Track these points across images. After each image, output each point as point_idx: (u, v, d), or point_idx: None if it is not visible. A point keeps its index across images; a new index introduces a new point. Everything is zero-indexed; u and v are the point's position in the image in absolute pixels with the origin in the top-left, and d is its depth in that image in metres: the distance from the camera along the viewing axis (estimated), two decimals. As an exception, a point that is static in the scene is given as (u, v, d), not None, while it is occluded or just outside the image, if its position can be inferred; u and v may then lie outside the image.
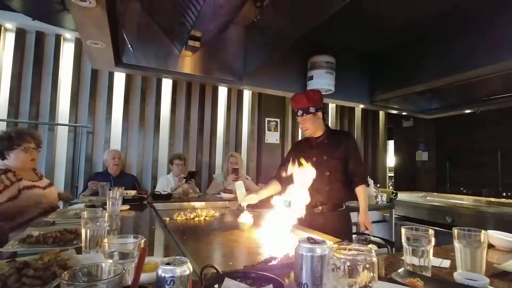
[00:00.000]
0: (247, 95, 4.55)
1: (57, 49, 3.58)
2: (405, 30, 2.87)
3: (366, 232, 2.21)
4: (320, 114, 2.11)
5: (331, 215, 2.08)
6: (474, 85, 3.21)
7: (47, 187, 2.14)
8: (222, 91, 4.39)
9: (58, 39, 3.59)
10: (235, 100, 4.45)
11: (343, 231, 2.06)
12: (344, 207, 2.13)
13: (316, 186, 2.09)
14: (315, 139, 2.17)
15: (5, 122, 3.32)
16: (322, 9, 1.91)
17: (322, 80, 3.13)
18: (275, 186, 2.28)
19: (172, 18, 2.36)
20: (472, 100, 3.68)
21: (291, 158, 2.25)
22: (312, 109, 2.09)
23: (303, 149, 2.23)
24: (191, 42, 2.34)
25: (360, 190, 2.07)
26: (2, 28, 3.36)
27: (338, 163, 2.08)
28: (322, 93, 3.29)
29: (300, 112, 2.13)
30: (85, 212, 1.11)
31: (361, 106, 4.17)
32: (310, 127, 2.12)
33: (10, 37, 3.43)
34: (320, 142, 2.15)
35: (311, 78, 3.18)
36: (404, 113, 4.43)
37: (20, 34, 3.43)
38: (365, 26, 2.80)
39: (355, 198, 2.14)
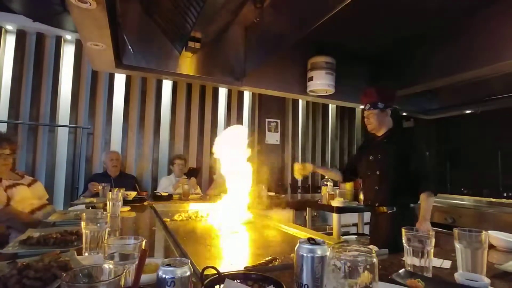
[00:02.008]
0: (247, 96, 4.56)
1: (58, 50, 3.59)
2: (405, 31, 2.87)
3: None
4: (388, 111, 2.10)
5: (382, 216, 2.03)
6: (475, 86, 3.21)
7: (31, 184, 2.15)
8: (222, 92, 4.39)
9: (58, 40, 3.59)
10: (235, 101, 4.45)
11: (389, 235, 1.93)
12: (394, 209, 1.99)
13: (367, 185, 2.19)
14: (377, 137, 2.17)
15: (5, 124, 3.33)
16: (322, 10, 1.91)
17: (322, 81, 3.13)
18: (336, 172, 2.43)
19: (172, 19, 2.36)
20: (472, 100, 3.68)
21: (358, 154, 2.40)
22: (380, 105, 2.07)
23: (367, 145, 2.28)
24: (191, 43, 2.34)
25: (421, 198, 1.91)
26: (3, 29, 3.37)
27: (391, 163, 2.01)
28: (322, 94, 3.32)
29: (367, 106, 2.13)
30: (86, 214, 1.11)
31: (361, 106, 4.17)
32: (373, 122, 2.10)
33: (11, 39, 3.44)
34: (380, 141, 2.14)
35: (311, 79, 3.18)
36: (404, 114, 4.42)
37: (21, 36, 3.44)
38: (365, 27, 2.80)
39: (411, 202, 2.02)
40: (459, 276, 0.88)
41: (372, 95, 2.11)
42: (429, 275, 0.92)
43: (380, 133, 2.14)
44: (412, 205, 2.03)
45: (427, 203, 1.88)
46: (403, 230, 0.98)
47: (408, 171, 1.95)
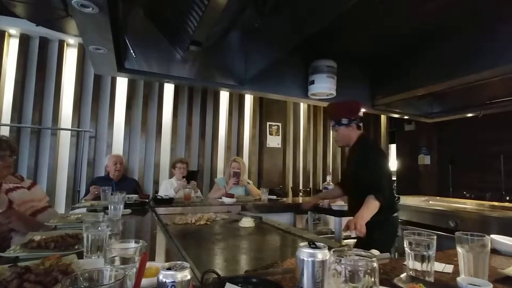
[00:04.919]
0: (248, 99, 4.57)
1: (60, 54, 3.62)
2: (406, 34, 2.88)
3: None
4: (354, 125, 2.05)
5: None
6: (476, 89, 3.20)
7: (31, 187, 2.14)
8: (224, 96, 4.41)
9: (61, 44, 3.62)
10: (236, 105, 4.46)
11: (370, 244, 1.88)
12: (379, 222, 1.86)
13: (349, 198, 2.19)
14: (350, 150, 2.17)
15: (8, 127, 3.35)
16: (323, 14, 1.92)
17: (323, 84, 3.14)
18: (336, 190, 2.42)
19: (174, 23, 2.38)
20: (474, 103, 3.67)
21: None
22: (344, 121, 2.04)
23: (346, 162, 2.29)
24: (192, 47, 2.36)
25: (366, 199, 1.81)
26: (6, 34, 3.40)
27: (358, 182, 1.96)
28: (324, 98, 3.32)
29: (332, 123, 2.10)
30: (87, 217, 1.11)
31: (363, 110, 4.17)
32: (341, 139, 2.11)
33: (14, 43, 3.47)
34: (349, 156, 2.15)
35: (313, 82, 3.19)
36: (405, 117, 4.42)
37: (24, 40, 3.47)
38: (366, 31, 2.81)
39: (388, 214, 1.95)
40: (462, 280, 0.87)
41: (335, 112, 2.10)
42: (431, 279, 0.92)
43: (350, 146, 2.14)
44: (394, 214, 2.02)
45: (366, 204, 1.78)
46: (405, 234, 0.97)
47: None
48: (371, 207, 1.77)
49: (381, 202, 1.77)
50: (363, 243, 1.78)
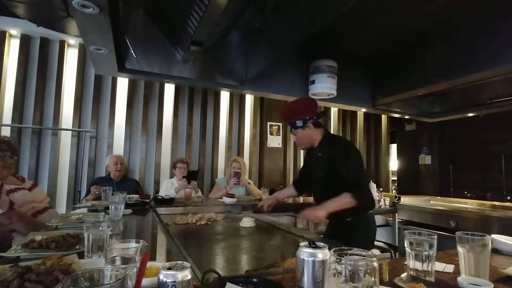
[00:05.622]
0: (249, 99, 4.57)
1: (61, 55, 3.62)
2: (406, 34, 2.88)
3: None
4: (310, 125, 1.86)
5: (336, 226, 1.88)
6: (477, 88, 3.20)
7: (32, 188, 2.14)
8: (224, 96, 4.41)
9: (62, 45, 3.63)
10: (237, 105, 4.46)
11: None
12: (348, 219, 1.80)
13: (317, 199, 2.03)
14: (314, 150, 1.94)
15: (9, 127, 3.35)
16: (324, 14, 1.92)
17: (324, 84, 3.14)
18: (292, 190, 2.26)
19: (174, 23, 2.39)
20: (475, 103, 3.67)
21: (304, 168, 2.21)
22: (299, 123, 1.85)
23: (309, 161, 2.08)
24: (193, 47, 2.36)
25: (341, 194, 1.68)
26: (7, 34, 3.41)
27: (332, 179, 1.79)
28: (324, 97, 3.32)
29: (289, 127, 1.97)
30: (88, 217, 1.11)
31: (363, 110, 4.17)
32: (301, 142, 1.94)
33: (15, 43, 3.47)
34: (315, 156, 1.91)
35: (313, 82, 3.19)
36: (406, 117, 4.42)
37: (25, 40, 3.48)
38: (367, 31, 2.81)
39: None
40: (462, 280, 0.87)
41: (287, 116, 1.93)
42: (432, 279, 0.91)
43: (315, 146, 1.94)
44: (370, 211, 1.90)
45: (338, 198, 1.66)
46: (405, 234, 0.97)
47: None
48: (342, 201, 1.66)
49: (357, 201, 1.66)
50: (342, 241, 1.72)
